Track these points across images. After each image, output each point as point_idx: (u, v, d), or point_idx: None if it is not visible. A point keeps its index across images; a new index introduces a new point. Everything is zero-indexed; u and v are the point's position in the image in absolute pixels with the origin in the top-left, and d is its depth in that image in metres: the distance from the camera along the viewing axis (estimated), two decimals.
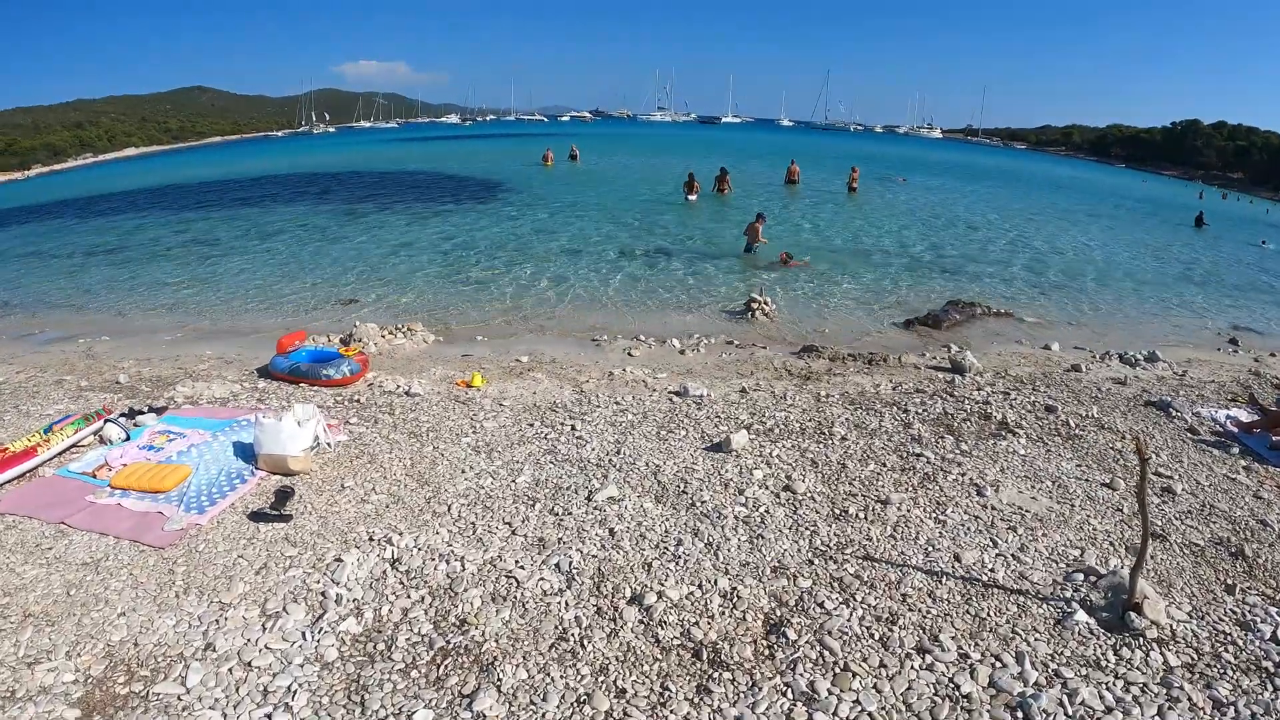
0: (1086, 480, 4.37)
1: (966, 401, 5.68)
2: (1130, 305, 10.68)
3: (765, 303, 8.68)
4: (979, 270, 12.34)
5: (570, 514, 3.58)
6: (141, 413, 5.39)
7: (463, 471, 4.11)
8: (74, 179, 39.94)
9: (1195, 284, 12.60)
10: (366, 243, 13.50)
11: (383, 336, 7.37)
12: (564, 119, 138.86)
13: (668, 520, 3.53)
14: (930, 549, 3.46)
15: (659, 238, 13.80)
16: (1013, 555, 3.49)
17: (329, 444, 4.45)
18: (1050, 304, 10.32)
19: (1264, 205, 38.41)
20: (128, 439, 4.87)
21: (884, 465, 4.34)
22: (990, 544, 3.57)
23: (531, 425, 4.87)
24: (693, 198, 18.95)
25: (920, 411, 5.38)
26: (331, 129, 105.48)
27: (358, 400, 5.47)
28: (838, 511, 3.71)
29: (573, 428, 4.81)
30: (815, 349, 7.14)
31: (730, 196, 20.06)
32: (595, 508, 3.65)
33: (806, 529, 3.53)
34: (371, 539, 3.38)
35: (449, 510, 3.65)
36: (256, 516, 3.70)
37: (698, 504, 3.71)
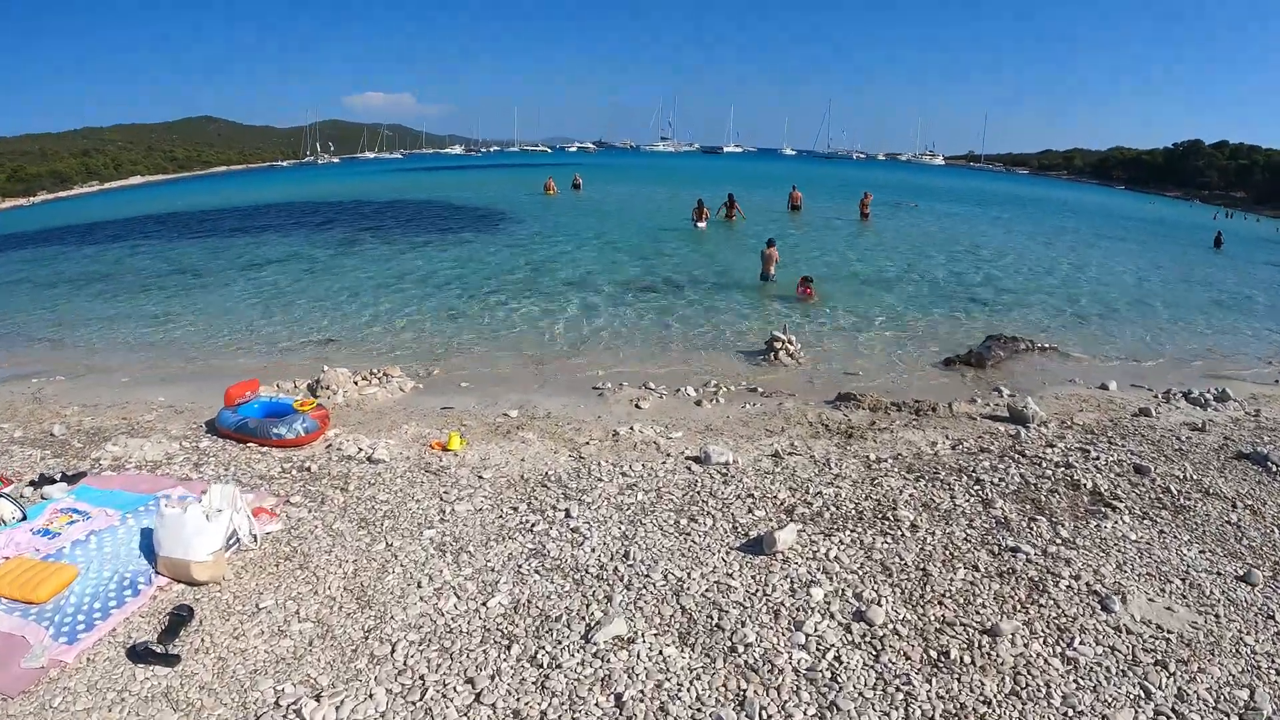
0: (1218, 573, 3.52)
1: (1044, 464, 4.80)
2: (1172, 334, 9.99)
3: (789, 341, 7.68)
4: (1008, 299, 11.65)
5: (560, 666, 2.52)
6: (52, 481, 4.52)
7: (419, 585, 3.07)
8: (77, 206, 39.71)
9: (1229, 309, 12.03)
10: (357, 276, 12.69)
11: (354, 384, 6.42)
12: (571, 149, 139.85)
13: (699, 679, 2.46)
14: (1070, 714, 2.44)
15: (667, 269, 12.92)
16: (1173, 710, 2.55)
17: (254, 536, 3.46)
18: (1090, 335, 9.61)
19: (1272, 224, 37.99)
20: (24, 518, 3.95)
21: (976, 570, 3.30)
22: (1142, 693, 2.66)
23: (515, 509, 3.84)
24: (701, 225, 18.20)
25: (997, 482, 4.40)
26: (336, 160, 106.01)
27: (309, 468, 4.50)
28: (934, 654, 2.65)
29: (567, 513, 3.77)
30: (853, 397, 6.15)
31: (739, 223, 19.31)
32: (595, 654, 2.60)
33: (898, 689, 2.47)
34: (279, 704, 2.37)
35: (392, 653, 2.61)
36: (137, 655, 2.72)
37: (739, 647, 2.65)
